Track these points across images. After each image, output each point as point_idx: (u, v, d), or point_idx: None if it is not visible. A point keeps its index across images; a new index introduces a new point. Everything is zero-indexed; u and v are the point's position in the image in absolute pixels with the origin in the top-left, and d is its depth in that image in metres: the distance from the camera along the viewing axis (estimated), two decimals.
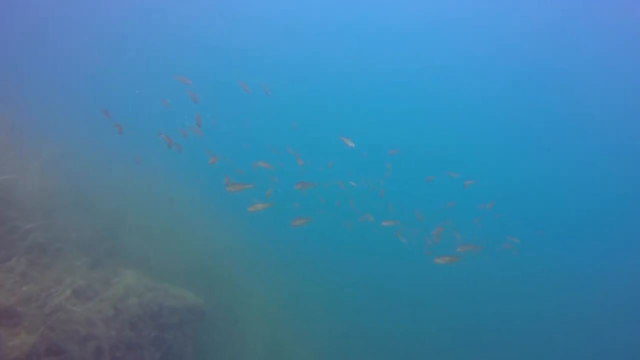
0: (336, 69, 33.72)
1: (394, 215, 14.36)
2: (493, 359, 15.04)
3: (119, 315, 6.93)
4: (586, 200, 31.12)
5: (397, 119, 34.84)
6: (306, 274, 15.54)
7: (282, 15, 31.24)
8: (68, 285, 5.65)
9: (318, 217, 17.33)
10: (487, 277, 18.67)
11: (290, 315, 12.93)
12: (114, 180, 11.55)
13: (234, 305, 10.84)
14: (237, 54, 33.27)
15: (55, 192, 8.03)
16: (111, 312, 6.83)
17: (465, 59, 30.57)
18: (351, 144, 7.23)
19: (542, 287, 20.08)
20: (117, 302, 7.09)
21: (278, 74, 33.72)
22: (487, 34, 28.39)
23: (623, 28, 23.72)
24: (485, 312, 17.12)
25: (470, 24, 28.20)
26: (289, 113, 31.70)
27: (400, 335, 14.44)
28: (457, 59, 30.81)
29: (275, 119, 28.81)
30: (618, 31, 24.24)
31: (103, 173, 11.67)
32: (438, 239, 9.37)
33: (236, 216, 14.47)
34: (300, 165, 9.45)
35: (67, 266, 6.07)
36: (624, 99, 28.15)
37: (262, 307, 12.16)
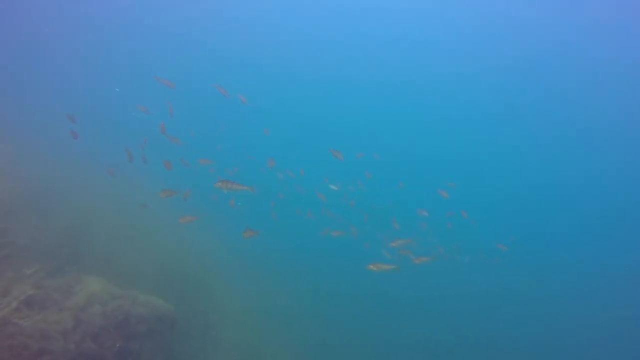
0: (321, 75, 33.72)
1: (370, 223, 14.40)
2: None
3: (79, 327, 6.48)
4: (579, 204, 32.13)
5: (380, 126, 35.15)
6: (284, 280, 15.31)
7: (276, 22, 31.01)
8: (16, 296, 5.22)
9: (296, 224, 17.22)
10: (468, 283, 19.02)
11: (268, 321, 12.66)
12: (80, 182, 10.95)
13: (208, 312, 10.48)
14: (227, 58, 32.78)
15: (13, 195, 7.49)
16: (71, 323, 6.37)
17: (449, 64, 31.19)
18: (340, 157, 7.40)
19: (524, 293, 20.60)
20: (78, 312, 6.63)
21: (262, 80, 33.44)
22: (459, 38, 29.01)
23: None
24: (472, 318, 17.39)
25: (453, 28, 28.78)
26: (273, 118, 31.42)
27: (380, 342, 14.42)
28: (441, 64, 31.39)
29: (258, 124, 28.57)
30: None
31: (69, 174, 11.06)
32: (405, 251, 9.12)
33: (211, 220, 14.12)
34: (270, 166, 9.33)
35: (17, 275, 5.62)
36: (623, 99, 29.08)
37: (238, 313, 11.83)
